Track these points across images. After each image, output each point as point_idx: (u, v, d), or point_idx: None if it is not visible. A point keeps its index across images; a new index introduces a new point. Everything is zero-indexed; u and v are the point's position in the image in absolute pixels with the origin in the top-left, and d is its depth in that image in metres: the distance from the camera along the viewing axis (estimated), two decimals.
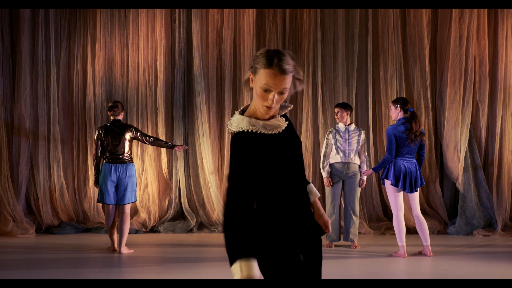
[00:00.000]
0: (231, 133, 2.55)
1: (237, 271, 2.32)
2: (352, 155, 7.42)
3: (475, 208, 8.82)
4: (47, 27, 9.11)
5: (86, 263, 6.69)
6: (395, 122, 6.90)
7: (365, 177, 7.51)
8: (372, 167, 7.55)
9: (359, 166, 7.48)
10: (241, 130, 2.49)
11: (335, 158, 7.44)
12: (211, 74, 9.27)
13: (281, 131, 2.52)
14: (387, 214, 9.15)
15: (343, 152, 7.40)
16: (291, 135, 2.59)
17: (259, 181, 2.50)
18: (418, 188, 6.80)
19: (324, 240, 7.45)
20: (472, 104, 9.01)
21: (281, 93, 2.45)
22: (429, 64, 9.12)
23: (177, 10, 9.26)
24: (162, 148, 9.14)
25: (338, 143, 7.40)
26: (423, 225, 6.75)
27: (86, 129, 9.20)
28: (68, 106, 9.32)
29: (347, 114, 7.44)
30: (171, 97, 9.32)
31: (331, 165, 7.45)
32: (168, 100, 9.31)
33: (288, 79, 2.43)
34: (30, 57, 9.12)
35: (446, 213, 9.08)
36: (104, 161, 7.08)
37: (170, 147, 7.38)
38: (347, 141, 7.41)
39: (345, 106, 7.48)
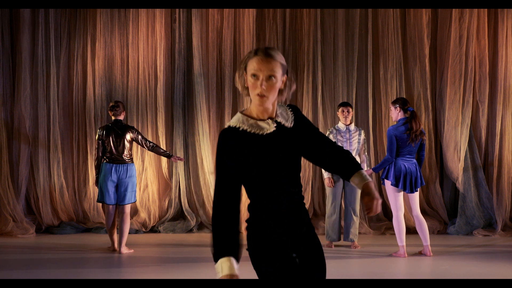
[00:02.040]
0: None
1: (218, 270, 2.39)
2: (353, 155, 7.41)
3: (475, 208, 8.82)
4: (47, 27, 9.11)
5: (86, 263, 6.69)
6: (396, 123, 6.89)
7: None
8: (372, 167, 7.54)
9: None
10: (228, 126, 2.54)
11: None
12: (211, 74, 9.27)
13: (265, 133, 2.52)
14: (387, 214, 9.15)
15: None
16: (285, 138, 2.57)
17: (248, 180, 2.54)
18: (418, 188, 6.80)
19: (324, 240, 7.45)
20: (472, 104, 9.01)
21: (269, 77, 2.47)
22: (429, 64, 9.12)
23: (177, 10, 9.26)
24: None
25: (339, 143, 7.39)
26: (423, 225, 6.74)
27: (86, 129, 9.20)
28: (68, 106, 9.32)
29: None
30: (171, 97, 9.32)
31: None
32: (168, 100, 9.31)
33: (275, 65, 2.47)
34: (30, 57, 9.12)
35: (446, 213, 9.08)
36: (105, 161, 7.08)
37: (168, 156, 7.36)
38: (348, 140, 7.41)
39: (351, 105, 7.54)
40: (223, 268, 2.38)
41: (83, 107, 9.26)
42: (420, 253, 6.86)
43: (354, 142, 7.41)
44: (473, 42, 8.92)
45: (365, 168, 7.46)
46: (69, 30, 9.28)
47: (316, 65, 9.18)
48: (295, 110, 2.69)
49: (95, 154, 7.20)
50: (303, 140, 2.64)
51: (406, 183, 6.66)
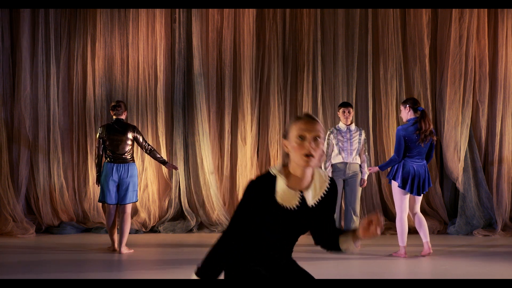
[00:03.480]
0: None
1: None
2: (353, 155, 7.42)
3: (475, 208, 8.82)
4: (47, 27, 9.11)
5: (86, 263, 6.69)
6: (406, 123, 6.74)
7: (366, 176, 7.50)
8: (378, 165, 7.42)
9: (360, 166, 7.48)
10: (267, 174, 2.65)
11: (336, 158, 7.43)
12: (211, 74, 9.27)
13: (286, 207, 2.63)
14: (387, 214, 9.15)
15: (345, 152, 7.39)
16: (302, 216, 2.67)
17: (249, 225, 2.65)
18: (426, 191, 6.72)
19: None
20: (472, 104, 9.01)
21: (315, 138, 2.58)
22: (429, 64, 9.12)
23: (177, 10, 9.26)
24: (162, 148, 9.15)
25: (340, 143, 7.39)
26: (422, 221, 6.68)
27: (86, 129, 9.20)
28: (68, 106, 9.32)
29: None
30: (171, 97, 9.32)
31: (332, 165, 7.43)
32: (168, 100, 9.31)
33: (319, 127, 2.61)
34: (30, 57, 9.12)
35: (446, 213, 9.08)
36: (106, 161, 7.08)
37: (163, 162, 7.34)
38: (349, 141, 7.41)
39: (351, 106, 7.53)
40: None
41: (83, 107, 9.26)
42: (422, 256, 6.73)
43: (354, 142, 7.41)
44: (473, 42, 8.92)
45: (366, 168, 7.45)
46: (69, 30, 9.28)
47: (316, 65, 9.18)
48: (332, 187, 2.76)
49: (95, 153, 7.20)
50: (317, 221, 2.74)
51: (414, 186, 6.56)
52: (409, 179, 6.54)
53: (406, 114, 6.73)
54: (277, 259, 2.71)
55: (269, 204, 2.60)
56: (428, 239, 6.70)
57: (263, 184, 2.61)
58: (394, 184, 6.66)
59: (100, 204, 8.93)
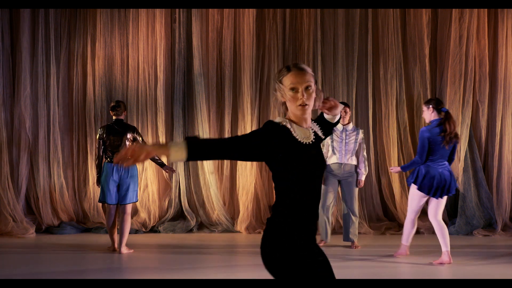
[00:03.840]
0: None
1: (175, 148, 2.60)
2: (348, 156, 7.36)
3: (475, 208, 8.82)
4: (47, 27, 9.11)
5: (86, 263, 6.69)
6: (428, 124, 6.53)
7: (363, 177, 7.45)
8: (401, 166, 7.11)
9: (356, 166, 7.43)
10: (279, 122, 2.76)
11: (331, 159, 7.39)
12: (211, 74, 9.27)
13: (306, 142, 2.77)
14: (387, 214, 9.15)
15: (339, 152, 7.35)
16: (319, 149, 2.86)
17: (285, 183, 2.73)
18: (452, 193, 6.47)
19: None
20: (472, 104, 9.01)
21: (306, 88, 2.74)
22: (429, 64, 9.12)
23: (177, 10, 9.26)
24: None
25: (334, 143, 7.36)
26: (444, 229, 6.33)
27: (86, 129, 9.20)
28: (68, 106, 9.33)
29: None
30: (171, 97, 9.32)
31: (327, 165, 7.36)
32: (168, 100, 9.31)
33: (309, 77, 2.76)
34: (30, 57, 9.12)
35: (446, 213, 9.07)
36: (106, 161, 7.07)
37: (161, 165, 7.31)
38: (344, 141, 7.37)
39: (348, 105, 7.49)
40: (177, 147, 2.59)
41: (83, 107, 9.26)
42: (440, 264, 6.32)
43: (350, 143, 7.37)
44: (473, 42, 8.92)
45: (363, 169, 7.41)
46: (69, 30, 9.28)
47: (316, 65, 9.18)
48: (318, 120, 3.04)
49: (95, 153, 7.20)
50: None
51: (438, 191, 6.32)
52: (433, 186, 6.30)
53: (429, 115, 6.48)
54: (314, 230, 2.79)
55: (289, 146, 2.71)
56: (449, 248, 6.31)
57: (277, 128, 2.72)
58: (413, 187, 6.45)
59: (100, 204, 8.93)
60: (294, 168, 2.71)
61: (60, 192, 9.07)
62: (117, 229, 7.18)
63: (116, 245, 7.14)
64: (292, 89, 2.74)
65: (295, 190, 2.71)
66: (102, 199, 7.10)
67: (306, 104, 2.74)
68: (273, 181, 2.79)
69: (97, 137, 7.15)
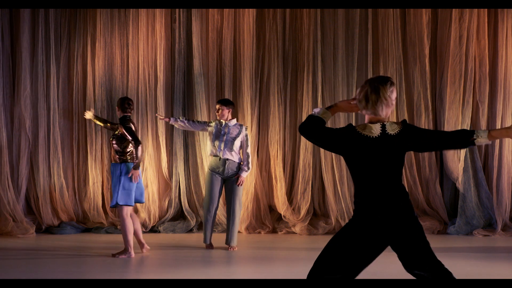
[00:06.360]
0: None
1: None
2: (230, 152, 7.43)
3: (475, 208, 8.82)
4: (47, 27, 9.10)
5: (86, 263, 6.69)
6: None
7: (244, 175, 7.51)
8: None
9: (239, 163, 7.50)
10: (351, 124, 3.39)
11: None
12: (211, 74, 9.27)
13: (372, 136, 3.26)
14: None
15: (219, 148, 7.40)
16: (387, 142, 3.27)
17: (355, 173, 3.30)
18: None
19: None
20: (472, 104, 9.01)
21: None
22: (429, 64, 9.12)
23: (177, 10, 9.26)
24: (162, 148, 9.16)
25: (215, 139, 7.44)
26: None
27: (86, 129, 9.20)
28: (68, 106, 9.33)
29: None
30: (171, 97, 9.32)
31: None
32: (168, 100, 9.31)
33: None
34: (30, 57, 9.12)
35: (446, 213, 9.08)
36: (130, 160, 7.00)
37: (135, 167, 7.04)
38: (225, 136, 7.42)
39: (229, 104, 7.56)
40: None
41: (83, 107, 9.25)
42: None
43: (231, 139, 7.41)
44: (473, 42, 8.92)
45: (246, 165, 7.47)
46: (69, 30, 9.28)
47: (316, 65, 9.18)
48: (404, 124, 3.38)
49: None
50: (409, 140, 3.29)
51: None
52: None
53: None
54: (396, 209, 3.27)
55: (354, 139, 3.25)
56: None
57: (348, 128, 3.32)
58: None
59: (100, 204, 8.95)
60: (360, 160, 3.33)
61: (60, 192, 9.07)
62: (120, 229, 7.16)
63: (146, 246, 7.16)
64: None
65: (364, 180, 3.34)
66: (126, 202, 6.88)
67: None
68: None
69: (130, 124, 6.87)
